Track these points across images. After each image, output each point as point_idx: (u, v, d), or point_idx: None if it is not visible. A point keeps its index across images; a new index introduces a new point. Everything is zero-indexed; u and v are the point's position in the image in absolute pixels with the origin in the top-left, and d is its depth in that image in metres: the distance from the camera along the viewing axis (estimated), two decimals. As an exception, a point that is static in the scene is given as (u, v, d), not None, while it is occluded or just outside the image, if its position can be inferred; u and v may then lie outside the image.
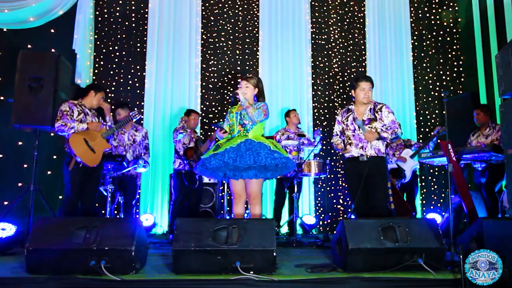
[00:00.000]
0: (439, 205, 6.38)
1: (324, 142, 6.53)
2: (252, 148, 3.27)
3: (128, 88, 6.24)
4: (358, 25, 6.88)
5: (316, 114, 6.59)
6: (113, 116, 4.56)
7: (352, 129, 3.64)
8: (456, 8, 6.95)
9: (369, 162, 3.55)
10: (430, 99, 6.69)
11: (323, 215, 6.26)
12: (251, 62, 6.61)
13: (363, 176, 3.49)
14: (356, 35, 6.85)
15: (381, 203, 3.57)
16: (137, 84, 6.27)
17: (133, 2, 6.40)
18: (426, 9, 6.98)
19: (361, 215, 3.60)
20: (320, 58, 6.73)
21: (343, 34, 6.83)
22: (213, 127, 3.86)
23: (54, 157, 5.09)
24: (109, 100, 6.04)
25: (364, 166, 3.53)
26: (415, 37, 6.88)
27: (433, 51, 6.87)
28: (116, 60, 6.25)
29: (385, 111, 3.62)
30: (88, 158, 3.92)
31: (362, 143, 3.58)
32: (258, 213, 3.41)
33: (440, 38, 6.89)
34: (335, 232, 3.14)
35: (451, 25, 6.94)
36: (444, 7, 6.99)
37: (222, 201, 5.65)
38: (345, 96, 6.68)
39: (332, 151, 6.43)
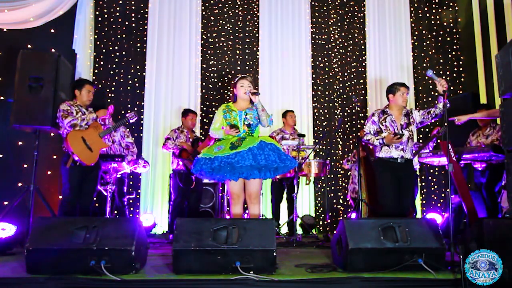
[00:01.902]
0: (439, 205, 6.38)
1: (324, 142, 6.54)
2: (274, 149, 3.27)
3: (128, 88, 6.24)
4: (358, 25, 6.89)
5: (316, 114, 6.59)
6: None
7: (393, 131, 3.79)
8: (456, 8, 6.95)
9: (405, 164, 3.78)
10: (430, 99, 6.69)
11: (323, 215, 6.26)
12: (251, 62, 6.61)
13: (398, 178, 3.73)
14: (356, 35, 6.86)
15: (409, 204, 3.90)
16: (137, 84, 6.27)
17: (133, 2, 6.40)
18: (426, 9, 6.98)
19: (388, 215, 3.65)
20: (320, 58, 6.73)
21: (343, 34, 6.83)
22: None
23: (54, 157, 5.09)
24: (109, 100, 6.05)
25: (400, 168, 3.75)
26: (415, 37, 6.88)
27: (433, 51, 6.87)
28: (116, 60, 6.25)
29: (415, 112, 3.88)
30: (85, 157, 3.91)
31: (402, 145, 3.76)
32: (258, 212, 3.41)
33: (440, 38, 6.89)
34: (335, 232, 3.14)
35: (451, 25, 6.94)
36: (444, 7, 6.99)
37: (222, 201, 5.65)
38: (345, 96, 6.68)
39: (333, 151, 6.45)
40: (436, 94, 3.70)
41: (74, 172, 3.94)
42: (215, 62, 6.55)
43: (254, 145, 3.20)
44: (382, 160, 3.82)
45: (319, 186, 6.31)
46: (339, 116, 6.59)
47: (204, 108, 6.42)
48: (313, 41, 6.73)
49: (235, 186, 3.39)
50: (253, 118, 3.39)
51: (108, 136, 4.79)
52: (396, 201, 3.74)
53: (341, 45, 6.81)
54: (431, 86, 6.77)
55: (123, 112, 5.90)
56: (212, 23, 6.62)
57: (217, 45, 6.58)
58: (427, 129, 6.61)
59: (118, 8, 6.33)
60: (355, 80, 6.76)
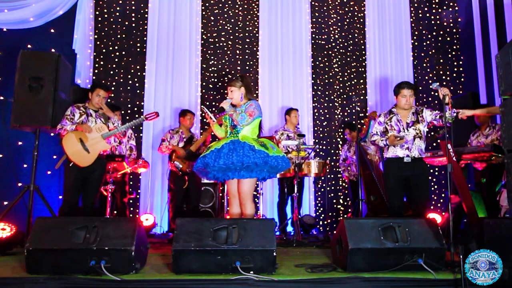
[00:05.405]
0: (439, 205, 6.38)
1: (324, 142, 6.54)
2: (236, 149, 3.25)
3: (128, 88, 6.24)
4: (358, 25, 6.88)
5: (316, 114, 6.59)
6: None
7: (397, 130, 3.79)
8: (456, 8, 6.94)
9: (413, 163, 3.72)
10: (430, 99, 6.69)
11: (323, 215, 6.25)
12: (251, 62, 6.61)
13: (407, 177, 3.70)
14: (356, 35, 6.85)
15: (425, 205, 3.75)
16: (137, 84, 6.27)
17: (133, 2, 6.40)
18: (426, 9, 6.97)
19: (395, 215, 3.67)
20: (320, 58, 6.73)
21: (343, 34, 6.83)
22: (204, 109, 3.85)
23: (54, 157, 5.09)
24: (109, 100, 6.04)
25: (408, 167, 3.71)
26: (415, 37, 6.88)
27: (433, 51, 6.86)
28: (116, 60, 6.25)
29: (426, 111, 3.83)
30: (79, 158, 3.89)
31: (408, 144, 3.73)
32: (249, 213, 3.35)
33: (440, 38, 6.89)
34: (335, 232, 3.14)
35: (451, 25, 6.94)
36: (444, 7, 6.99)
37: (222, 201, 5.65)
38: (345, 96, 6.68)
39: (332, 151, 6.45)
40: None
41: (71, 172, 3.93)
42: (215, 62, 6.55)
43: (217, 147, 3.31)
44: (390, 160, 3.81)
45: (319, 186, 6.31)
46: (339, 116, 6.59)
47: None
48: (313, 41, 6.73)
49: (232, 186, 3.45)
50: (231, 120, 3.47)
51: (117, 136, 4.78)
52: (409, 201, 3.75)
53: (341, 45, 6.81)
54: (431, 86, 6.75)
55: (123, 112, 5.89)
56: (212, 23, 6.62)
57: (217, 45, 6.58)
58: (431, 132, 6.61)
59: (118, 8, 6.33)
60: (355, 80, 6.76)
